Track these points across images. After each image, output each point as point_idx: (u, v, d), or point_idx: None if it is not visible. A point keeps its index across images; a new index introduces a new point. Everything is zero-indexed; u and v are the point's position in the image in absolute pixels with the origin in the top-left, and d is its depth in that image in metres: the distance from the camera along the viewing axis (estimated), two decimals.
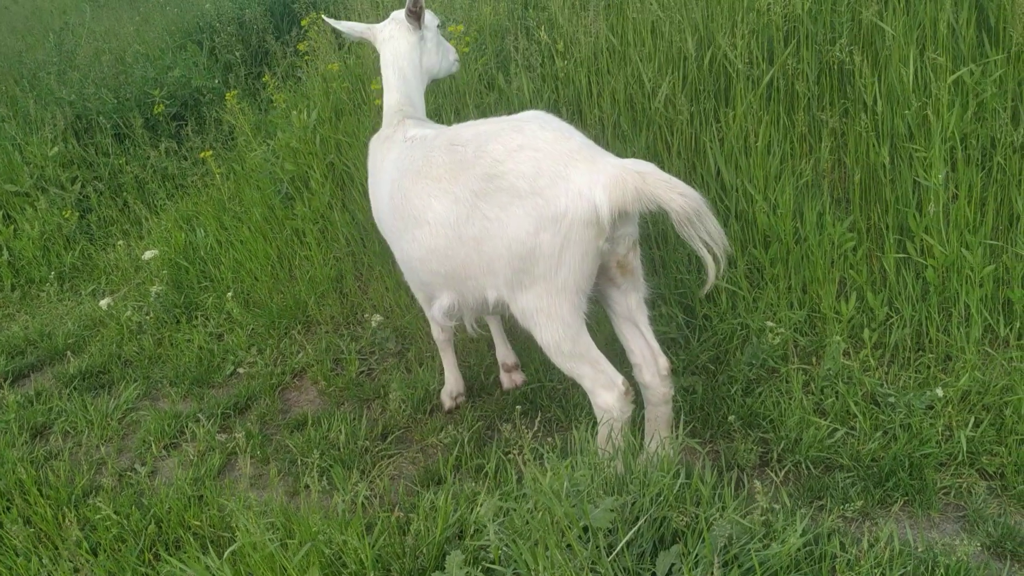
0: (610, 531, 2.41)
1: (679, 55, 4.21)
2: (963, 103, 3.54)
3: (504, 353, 3.94)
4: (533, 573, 2.06)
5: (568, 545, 2.10)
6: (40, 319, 5.79)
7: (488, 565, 2.16)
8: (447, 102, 4.72)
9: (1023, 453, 2.97)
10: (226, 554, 2.39)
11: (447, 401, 3.93)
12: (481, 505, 2.29)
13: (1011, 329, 3.33)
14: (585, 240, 2.65)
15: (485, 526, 2.20)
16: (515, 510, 2.22)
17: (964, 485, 2.97)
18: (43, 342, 5.39)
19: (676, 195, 2.54)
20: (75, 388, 4.74)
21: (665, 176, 2.59)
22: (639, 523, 2.27)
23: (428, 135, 3.28)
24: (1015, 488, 2.90)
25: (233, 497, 3.06)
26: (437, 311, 3.20)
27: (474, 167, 2.82)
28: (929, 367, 3.37)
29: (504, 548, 2.14)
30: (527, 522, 2.15)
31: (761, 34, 4.09)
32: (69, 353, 5.13)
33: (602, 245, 2.70)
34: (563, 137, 2.73)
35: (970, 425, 3.08)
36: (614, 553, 2.18)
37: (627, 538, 2.21)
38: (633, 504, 2.53)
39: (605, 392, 2.84)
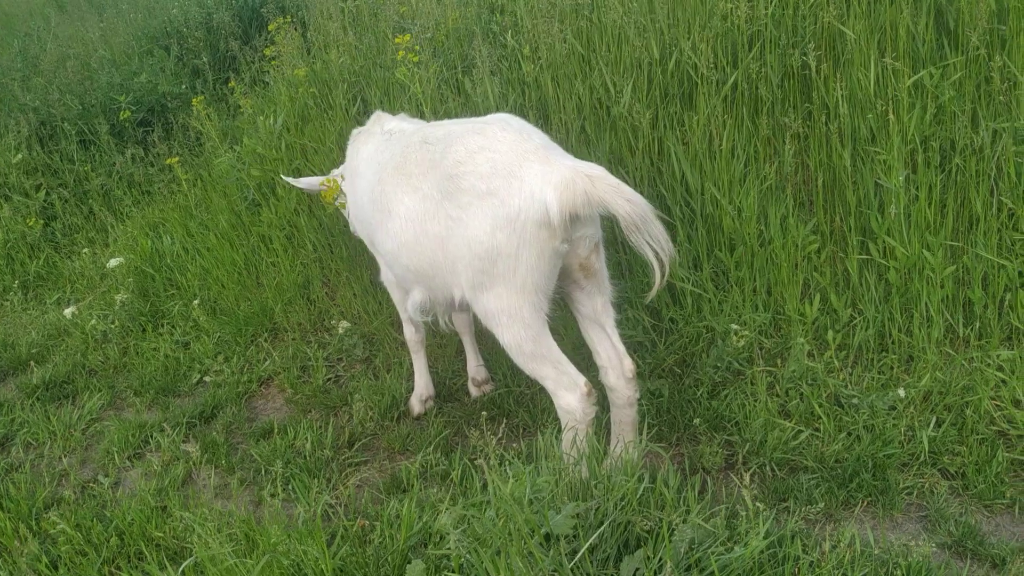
0: (573, 537, 2.40)
1: (643, 59, 4.21)
2: (923, 106, 3.58)
3: (474, 368, 3.96)
4: None
5: (529, 552, 2.09)
6: (3, 328, 5.71)
7: (449, 575, 2.15)
8: (408, 111, 4.70)
9: (984, 452, 3.00)
10: (181, 568, 2.36)
11: (416, 406, 3.91)
12: (443, 513, 2.27)
13: (971, 329, 3.36)
14: (540, 240, 2.68)
15: (447, 534, 2.18)
16: (477, 518, 2.20)
17: (926, 485, 2.99)
18: (6, 352, 5.31)
19: (623, 200, 2.57)
20: (38, 398, 4.67)
21: (614, 181, 2.61)
22: (601, 529, 2.26)
23: (407, 129, 3.36)
24: (976, 487, 2.92)
25: (195, 509, 3.02)
26: (410, 306, 3.28)
27: (440, 166, 2.88)
28: (892, 368, 3.40)
29: (466, 556, 2.13)
30: (488, 530, 2.14)
31: (724, 38, 4.11)
32: (32, 363, 5.04)
33: (559, 246, 2.73)
34: (522, 139, 2.77)
35: (932, 425, 3.10)
36: (575, 559, 2.18)
37: (589, 544, 2.21)
38: (597, 509, 2.53)
39: (568, 393, 2.85)
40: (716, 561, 2.41)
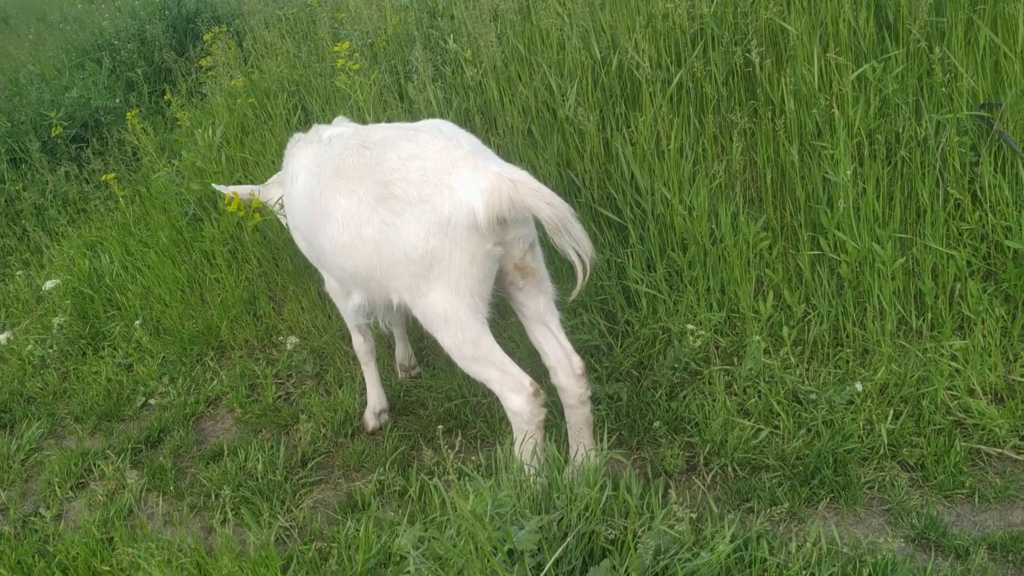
0: (538, 551, 2.34)
1: (586, 61, 4.18)
2: (867, 99, 3.59)
3: (402, 355, 4.12)
4: None
5: (493, 571, 2.02)
6: None
7: None
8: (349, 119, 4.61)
9: (941, 443, 3.01)
10: None
11: (371, 420, 3.82)
12: (402, 535, 2.19)
13: (923, 320, 3.37)
14: (472, 244, 2.73)
15: (407, 556, 2.10)
16: (436, 538, 2.13)
17: (887, 478, 2.99)
18: None
19: (544, 204, 2.62)
20: None
21: (536, 185, 2.66)
22: (566, 541, 2.20)
23: (345, 132, 3.35)
24: (935, 478, 2.93)
25: (141, 540, 2.89)
26: (351, 308, 3.32)
27: (374, 172, 2.90)
28: (848, 362, 3.40)
29: None
30: (449, 549, 2.06)
31: (667, 38, 4.09)
32: None
33: (492, 249, 2.76)
34: (451, 145, 2.80)
35: (889, 418, 3.11)
36: (541, 574, 2.11)
37: (554, 558, 2.14)
38: (560, 520, 2.47)
39: (514, 395, 2.85)
40: (683, 569, 2.37)
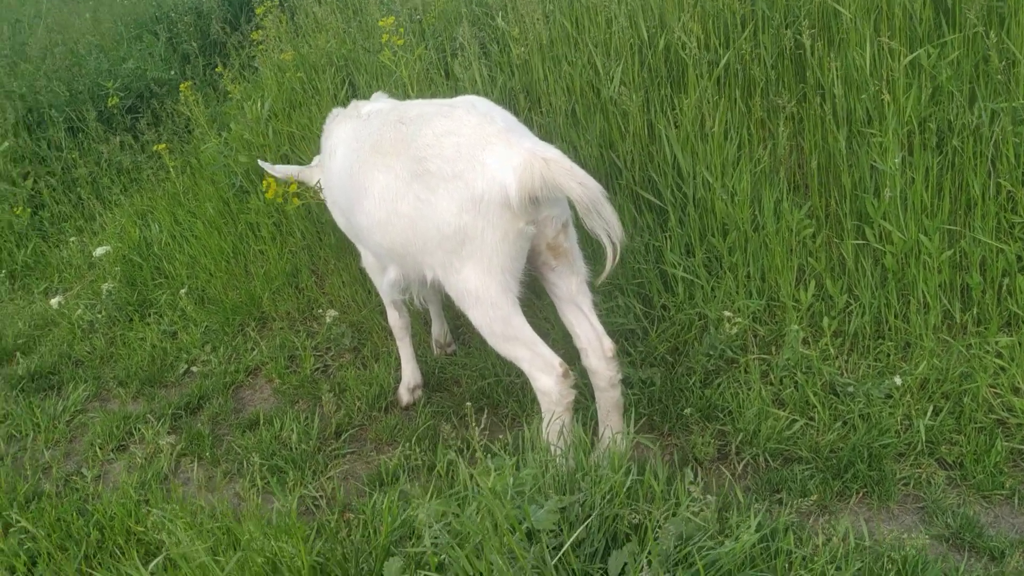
0: (559, 532, 2.34)
1: (634, 41, 4.12)
2: (920, 86, 3.48)
3: (438, 332, 4.14)
4: None
5: (510, 549, 2.02)
6: None
7: (426, 574, 2.08)
8: (394, 95, 4.61)
9: (982, 442, 2.93)
10: (151, 567, 2.29)
11: (405, 396, 3.85)
12: (422, 509, 2.20)
13: (969, 315, 3.28)
14: (504, 222, 2.71)
15: (425, 531, 2.11)
16: (456, 514, 2.13)
17: (923, 475, 2.92)
18: None
19: (575, 184, 2.59)
20: (23, 390, 4.60)
21: (568, 164, 2.63)
22: (586, 523, 2.19)
23: (384, 108, 3.36)
24: (974, 478, 2.85)
25: (171, 504, 2.95)
26: (386, 283, 3.35)
27: (410, 148, 2.91)
28: (888, 355, 3.32)
29: (446, 554, 2.06)
30: (467, 526, 2.07)
31: (716, 18, 4.01)
32: (18, 354, 4.98)
33: (524, 228, 2.74)
34: (485, 122, 2.79)
35: (928, 414, 3.03)
36: (558, 556, 2.11)
37: (572, 539, 2.13)
38: (584, 503, 2.46)
39: (543, 375, 2.84)
40: (704, 557, 2.34)
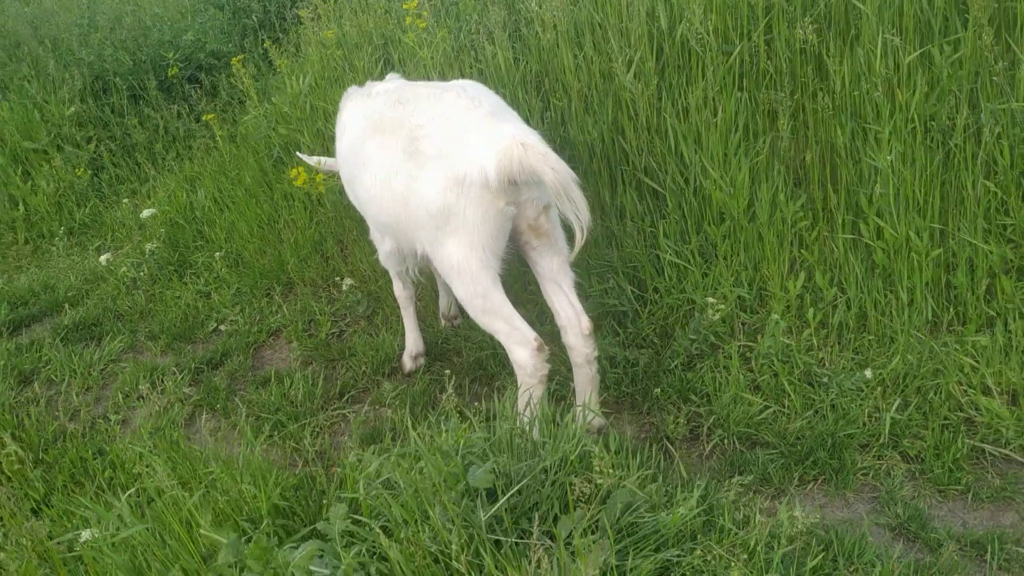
0: (519, 494, 2.49)
1: (652, 30, 4.20)
2: (923, 84, 3.49)
3: (445, 305, 4.32)
4: (405, 525, 2.15)
5: (443, 504, 2.19)
6: (46, 272, 6.02)
7: (357, 517, 2.25)
8: (421, 76, 4.77)
9: (946, 437, 2.97)
10: (126, 496, 2.53)
11: (408, 363, 4.04)
12: (370, 461, 2.38)
13: (951, 313, 3.31)
14: (484, 201, 2.86)
15: (364, 481, 2.29)
16: (401, 466, 2.31)
17: (884, 467, 2.98)
18: (45, 294, 5.61)
19: (548, 168, 2.71)
20: (66, 339, 4.94)
21: (543, 149, 2.75)
22: (519, 484, 2.34)
23: (390, 89, 3.52)
24: (932, 472, 2.90)
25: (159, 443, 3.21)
26: (383, 254, 3.67)
27: (404, 128, 3.09)
28: (869, 348, 3.37)
29: (382, 501, 2.24)
30: (402, 476, 2.24)
31: (735, 10, 4.06)
32: (67, 305, 5.33)
33: (505, 208, 2.89)
34: (473, 106, 2.95)
35: (895, 407, 3.08)
36: (491, 512, 2.26)
37: (506, 499, 2.28)
38: (538, 468, 2.61)
39: (519, 348, 2.99)
40: (647, 525, 2.48)
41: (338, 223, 5.06)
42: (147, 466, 2.75)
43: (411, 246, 3.23)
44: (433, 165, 2.92)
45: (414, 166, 3.00)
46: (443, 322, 4.32)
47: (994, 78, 3.30)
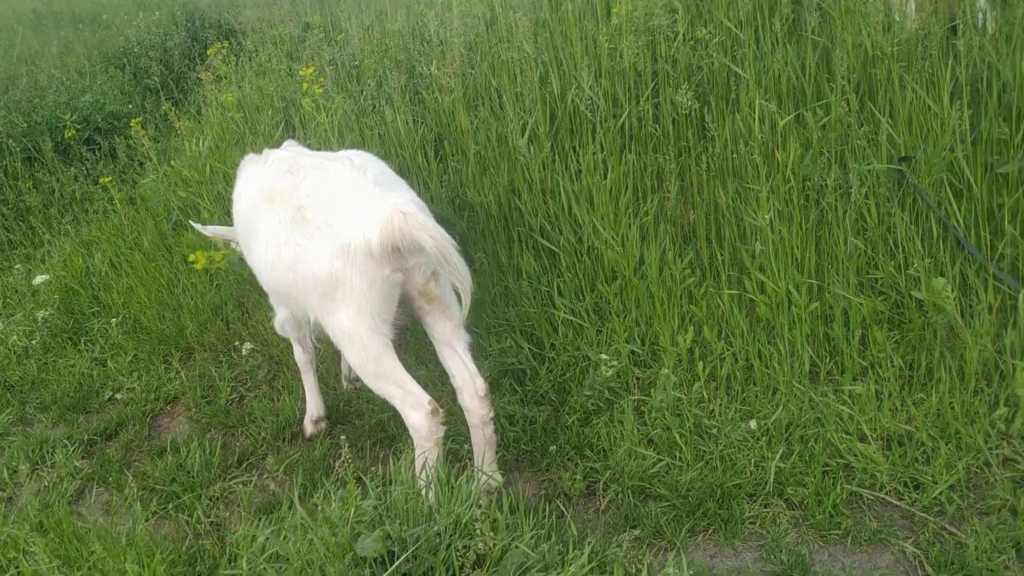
0: (414, 558, 2.50)
1: (546, 94, 4.34)
2: (797, 146, 3.70)
3: (346, 368, 4.30)
4: None
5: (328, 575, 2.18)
6: None
7: None
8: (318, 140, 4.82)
9: (826, 483, 3.10)
10: None
11: (309, 427, 4.01)
12: (246, 537, 2.36)
13: (830, 364, 3.47)
14: (370, 269, 2.91)
15: (248, 556, 2.27)
16: (289, 539, 2.30)
17: (770, 515, 3.08)
18: None
19: (427, 236, 2.79)
20: None
21: (422, 219, 2.84)
22: (409, 552, 2.35)
23: (284, 157, 3.59)
24: (814, 517, 3.02)
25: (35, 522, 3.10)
26: (277, 322, 3.66)
27: (293, 197, 3.14)
28: (756, 399, 3.50)
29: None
30: (288, 549, 2.23)
31: (623, 76, 4.24)
32: None
33: (391, 275, 2.94)
34: (358, 176, 3.04)
35: (780, 456, 3.20)
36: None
37: (394, 567, 2.29)
38: (440, 532, 2.63)
39: (413, 412, 3.02)
40: None
41: (239, 286, 5.02)
42: (24, 551, 2.65)
43: (304, 314, 3.24)
44: (320, 234, 2.97)
45: (302, 235, 3.04)
46: (345, 384, 4.31)
47: (858, 141, 3.52)
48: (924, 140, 3.52)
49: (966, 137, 3.46)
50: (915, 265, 3.34)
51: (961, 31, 3.63)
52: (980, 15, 3.96)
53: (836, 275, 3.50)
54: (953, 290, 3.29)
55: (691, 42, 4.31)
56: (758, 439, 3.29)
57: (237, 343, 4.72)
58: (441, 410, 3.06)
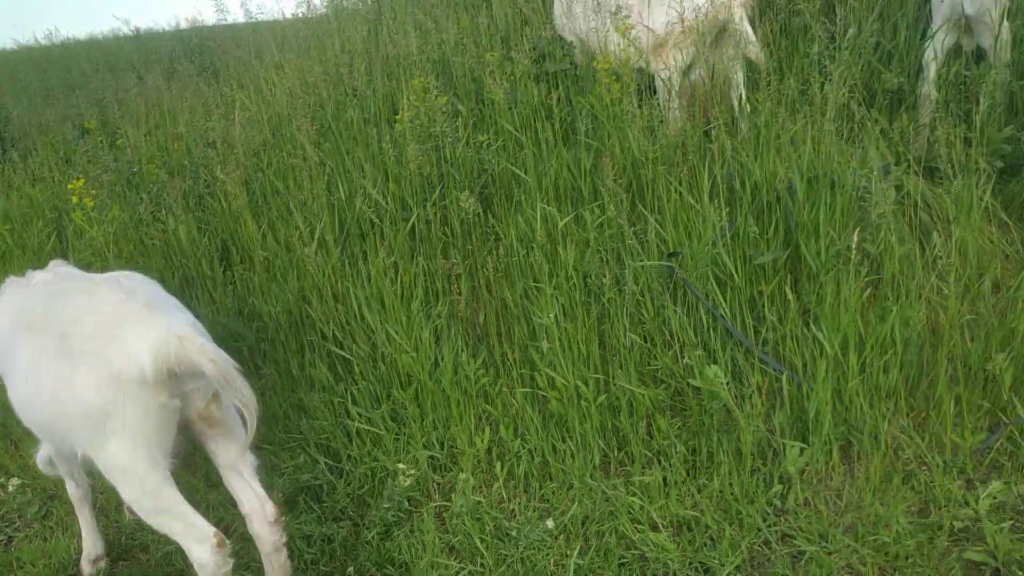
0: None
1: (334, 200, 4.34)
2: (580, 243, 3.87)
3: None
4: None
5: None
6: None
7: None
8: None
9: None
10: None
11: (86, 567, 3.68)
12: None
13: (623, 454, 3.58)
14: (143, 397, 2.74)
15: None
16: None
17: None
18: None
19: (207, 360, 2.69)
20: None
21: (200, 342, 2.73)
22: None
23: (46, 280, 3.35)
24: None
25: None
26: (39, 461, 3.41)
27: (54, 324, 2.92)
28: (553, 495, 3.54)
29: None
30: None
31: (410, 182, 4.31)
32: None
33: (167, 402, 2.79)
34: (126, 299, 2.88)
35: (577, 553, 3.24)
36: None
37: None
38: None
39: (198, 546, 2.85)
40: None
41: (4, 413, 4.60)
42: None
43: (69, 448, 2.99)
44: (86, 363, 2.78)
45: (66, 366, 2.82)
46: (128, 515, 3.99)
47: (630, 240, 3.73)
48: (689, 236, 3.78)
49: (726, 232, 3.74)
50: (689, 355, 3.53)
51: (715, 135, 3.97)
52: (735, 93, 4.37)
53: (619, 368, 3.64)
54: (725, 375, 3.50)
55: (474, 146, 4.46)
56: (556, 537, 3.32)
57: (3, 479, 4.30)
58: (228, 541, 2.89)
